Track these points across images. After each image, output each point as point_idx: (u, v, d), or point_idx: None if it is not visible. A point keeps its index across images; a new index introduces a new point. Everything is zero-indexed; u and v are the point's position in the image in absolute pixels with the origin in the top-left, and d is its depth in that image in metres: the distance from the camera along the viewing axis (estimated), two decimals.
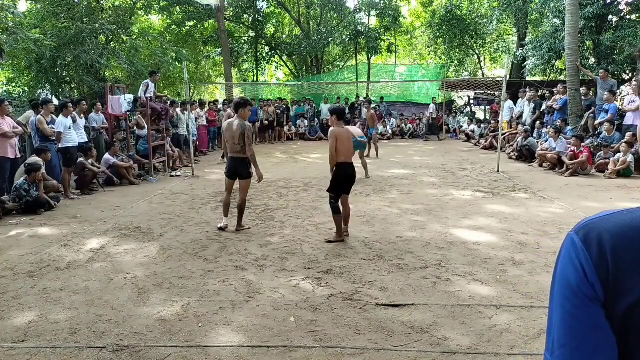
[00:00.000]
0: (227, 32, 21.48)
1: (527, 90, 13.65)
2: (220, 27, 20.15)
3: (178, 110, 11.96)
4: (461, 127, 17.89)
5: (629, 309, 0.69)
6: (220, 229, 5.65)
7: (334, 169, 5.16)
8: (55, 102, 11.08)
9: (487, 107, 19.23)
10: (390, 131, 17.90)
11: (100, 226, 6.01)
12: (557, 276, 0.78)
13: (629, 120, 9.67)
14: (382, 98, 19.82)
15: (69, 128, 7.87)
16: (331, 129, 5.21)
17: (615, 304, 0.71)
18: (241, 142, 5.38)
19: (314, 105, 18.73)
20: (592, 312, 0.72)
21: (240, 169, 5.50)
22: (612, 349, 0.71)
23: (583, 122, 11.01)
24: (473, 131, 16.00)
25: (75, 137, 8.03)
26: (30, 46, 11.24)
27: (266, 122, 16.64)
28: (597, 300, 0.72)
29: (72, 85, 15.25)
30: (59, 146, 7.78)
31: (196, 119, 12.87)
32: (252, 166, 5.54)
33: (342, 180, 5.17)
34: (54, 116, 8.15)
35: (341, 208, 5.14)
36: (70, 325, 3.29)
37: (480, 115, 19.58)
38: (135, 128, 10.70)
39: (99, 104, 10.15)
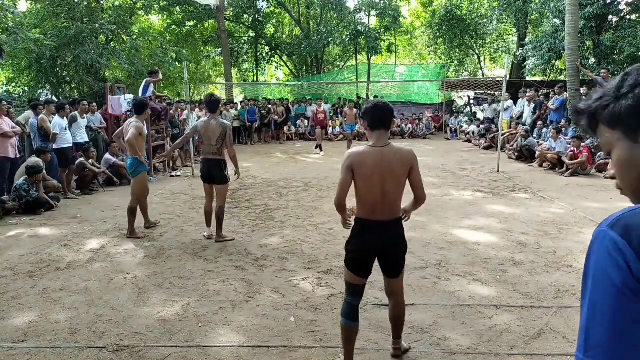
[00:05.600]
0: (227, 32, 21.48)
1: (527, 90, 13.65)
2: (220, 27, 20.16)
3: (186, 111, 11.96)
4: (461, 127, 17.89)
5: None
6: (208, 237, 5.32)
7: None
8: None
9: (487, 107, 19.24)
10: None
11: (100, 226, 6.01)
12: (594, 274, 0.77)
13: None
14: (382, 98, 19.82)
15: (65, 129, 7.86)
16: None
17: None
18: (219, 143, 5.01)
19: (313, 106, 18.70)
20: (637, 305, 0.71)
21: (214, 172, 5.07)
22: None
23: None
24: (473, 132, 15.97)
25: (70, 137, 8.02)
26: (30, 46, 11.25)
27: (278, 120, 17.36)
28: None
29: (72, 85, 15.26)
30: (54, 147, 7.77)
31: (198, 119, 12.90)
32: (228, 170, 5.16)
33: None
34: (53, 116, 8.15)
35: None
36: (70, 325, 3.29)
37: (480, 115, 19.57)
38: None
39: (94, 104, 10.14)
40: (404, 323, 2.83)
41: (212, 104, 5.16)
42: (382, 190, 2.45)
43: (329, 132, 17.71)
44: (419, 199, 2.60)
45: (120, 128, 5.86)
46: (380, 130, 2.50)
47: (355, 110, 13.59)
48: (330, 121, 18.03)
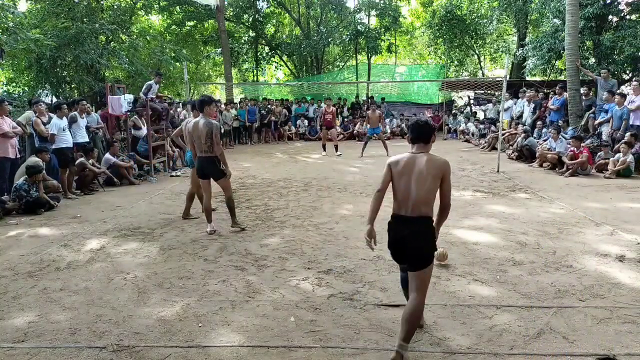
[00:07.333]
0: (227, 32, 21.47)
1: (527, 90, 13.65)
2: (220, 27, 20.16)
3: (184, 111, 12.01)
4: (461, 127, 17.87)
5: None
6: (210, 232, 5.51)
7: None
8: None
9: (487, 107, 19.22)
10: (389, 131, 17.89)
11: (100, 226, 6.01)
12: None
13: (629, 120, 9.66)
14: (382, 98, 19.82)
15: (63, 129, 7.85)
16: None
17: None
18: (208, 142, 5.29)
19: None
20: None
21: (207, 168, 5.42)
22: None
23: (583, 122, 11.01)
24: (472, 133, 15.92)
25: (70, 138, 8.01)
26: (30, 46, 11.25)
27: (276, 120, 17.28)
28: None
29: (72, 85, 15.26)
30: (53, 147, 7.77)
31: None
32: (222, 165, 5.40)
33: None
34: (51, 115, 8.14)
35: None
36: (70, 325, 3.30)
37: (481, 115, 19.57)
38: (132, 129, 10.69)
39: (88, 105, 10.15)
40: (415, 327, 2.82)
41: (199, 104, 5.45)
42: (409, 189, 2.83)
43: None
44: (444, 206, 2.95)
45: (179, 127, 6.58)
46: (419, 144, 3.00)
47: (378, 112, 12.69)
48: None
